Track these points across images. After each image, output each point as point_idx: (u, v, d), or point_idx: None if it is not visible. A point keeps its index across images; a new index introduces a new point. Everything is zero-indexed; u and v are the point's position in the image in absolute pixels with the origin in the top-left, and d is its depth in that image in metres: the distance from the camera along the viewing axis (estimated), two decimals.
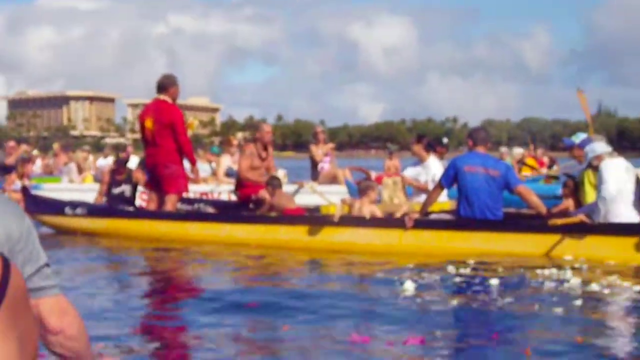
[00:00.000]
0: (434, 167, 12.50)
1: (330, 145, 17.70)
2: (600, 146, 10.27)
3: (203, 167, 21.62)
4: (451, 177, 10.76)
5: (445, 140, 15.90)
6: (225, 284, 9.21)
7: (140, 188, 14.61)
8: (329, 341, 6.18)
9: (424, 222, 10.92)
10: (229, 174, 16.62)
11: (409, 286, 8.07)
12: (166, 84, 13.16)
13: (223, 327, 6.71)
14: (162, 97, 13.13)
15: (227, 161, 17.12)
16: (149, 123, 13.17)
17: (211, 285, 8.96)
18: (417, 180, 12.61)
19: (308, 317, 6.99)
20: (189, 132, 26.26)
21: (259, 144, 13.55)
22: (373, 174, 15.30)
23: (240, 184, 13.78)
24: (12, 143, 22.13)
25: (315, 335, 6.39)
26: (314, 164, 17.24)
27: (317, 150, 17.20)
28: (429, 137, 13.70)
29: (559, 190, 12.24)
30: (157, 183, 13.26)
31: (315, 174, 17.09)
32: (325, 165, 17.05)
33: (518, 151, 23.88)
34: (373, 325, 6.66)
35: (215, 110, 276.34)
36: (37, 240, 2.31)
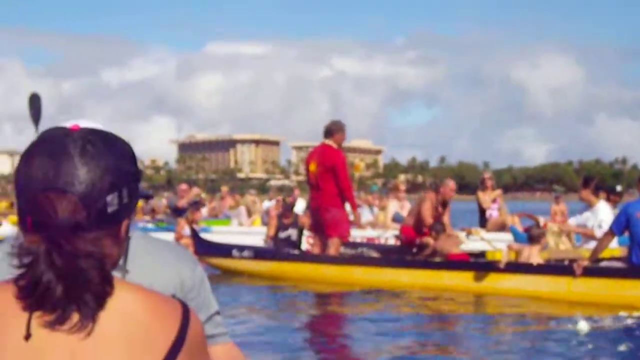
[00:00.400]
0: (602, 213, 12.03)
1: (498, 192, 17.41)
2: None
3: (364, 211, 21.68)
4: (622, 224, 10.39)
5: (619, 188, 15.34)
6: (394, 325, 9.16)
7: (306, 232, 14.77)
8: None
9: (594, 270, 10.59)
10: (395, 219, 16.54)
11: (583, 326, 7.87)
12: (332, 130, 13.39)
13: None
14: (328, 141, 13.36)
15: (394, 206, 17.06)
16: (312, 167, 13.42)
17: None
18: (585, 226, 12.20)
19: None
20: (356, 175, 26.44)
21: (440, 198, 13.30)
22: (542, 220, 14.95)
23: (419, 230, 13.51)
24: (184, 186, 22.77)
25: None
26: (482, 210, 17.01)
27: (485, 197, 16.97)
28: (596, 179, 13.19)
29: None
30: (320, 226, 13.41)
31: (483, 221, 16.84)
32: (493, 213, 16.79)
33: None
34: None
35: (378, 152, 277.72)
36: (209, 288, 2.35)
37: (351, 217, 14.00)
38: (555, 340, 7.68)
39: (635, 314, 8.84)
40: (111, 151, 1.55)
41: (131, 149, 1.63)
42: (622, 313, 8.96)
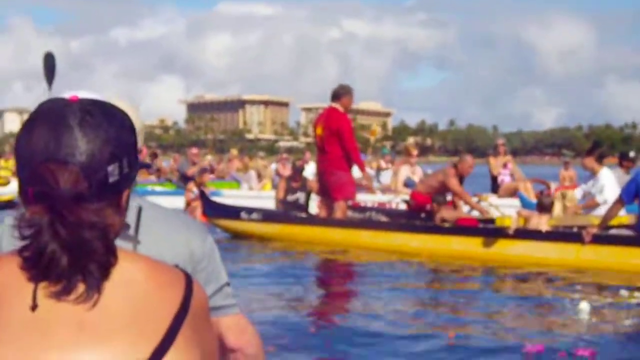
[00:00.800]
0: (603, 178, 12.13)
1: (508, 157, 17.35)
2: None
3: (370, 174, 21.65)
4: (632, 192, 10.37)
5: (632, 153, 15.28)
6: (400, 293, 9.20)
7: (314, 196, 14.80)
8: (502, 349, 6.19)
9: (603, 237, 10.58)
10: (407, 184, 16.51)
11: (584, 307, 7.90)
12: (340, 93, 13.45)
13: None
14: (335, 105, 13.43)
15: (405, 171, 17.01)
16: (319, 130, 13.53)
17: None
18: (590, 194, 12.24)
19: (479, 326, 7.00)
20: (372, 139, 26.35)
21: (458, 173, 13.07)
22: (553, 186, 14.94)
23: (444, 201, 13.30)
24: (195, 150, 22.76)
25: (486, 342, 6.41)
26: (493, 176, 16.97)
27: (496, 162, 16.92)
28: (602, 147, 13.19)
29: None
30: (326, 190, 13.48)
31: (495, 186, 16.82)
32: (505, 178, 16.74)
33: None
34: (546, 337, 6.59)
35: (387, 114, 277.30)
36: (219, 260, 2.35)
37: (362, 181, 14.04)
38: (557, 312, 7.76)
39: (637, 293, 8.87)
40: (111, 122, 1.55)
41: (130, 120, 1.63)
42: (623, 292, 8.97)
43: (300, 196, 14.81)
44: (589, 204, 12.21)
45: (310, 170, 20.39)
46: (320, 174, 13.64)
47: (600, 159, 12.46)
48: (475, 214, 13.00)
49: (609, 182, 12.06)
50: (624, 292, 8.92)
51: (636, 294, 8.88)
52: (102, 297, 1.45)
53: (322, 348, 6.60)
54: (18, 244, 1.50)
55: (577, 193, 12.77)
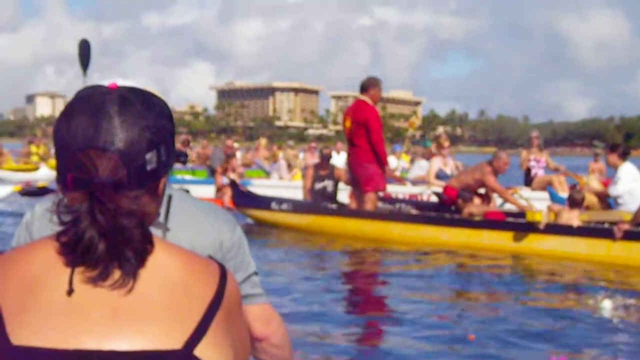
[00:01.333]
0: (620, 173, 12.26)
1: (544, 153, 17.17)
2: None
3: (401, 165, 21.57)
4: None
5: None
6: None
7: (342, 185, 14.75)
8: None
9: (635, 234, 10.52)
10: (439, 176, 16.43)
11: (607, 305, 7.87)
12: (368, 85, 13.46)
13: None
14: (363, 97, 13.45)
15: (438, 163, 16.91)
16: (347, 123, 13.55)
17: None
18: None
19: (499, 329, 6.98)
20: (410, 131, 26.16)
21: (493, 170, 12.95)
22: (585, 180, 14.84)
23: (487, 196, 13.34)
24: (230, 142, 22.74)
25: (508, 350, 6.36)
26: (527, 168, 16.85)
27: (529, 156, 16.78)
28: (624, 145, 13.33)
29: None
30: (356, 182, 13.52)
31: (527, 179, 16.71)
32: (539, 172, 16.61)
33: None
34: (569, 344, 6.55)
35: (417, 103, 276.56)
36: (248, 249, 2.37)
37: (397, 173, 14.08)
38: (581, 314, 7.71)
39: None
40: (149, 109, 1.57)
41: (168, 108, 1.65)
42: None
43: (328, 184, 14.76)
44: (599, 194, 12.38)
45: (340, 159, 20.34)
46: (350, 165, 13.65)
47: (623, 156, 12.53)
48: (507, 206, 12.96)
49: (625, 177, 12.17)
50: None
51: None
52: (138, 284, 1.47)
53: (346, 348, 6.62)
54: (50, 230, 1.52)
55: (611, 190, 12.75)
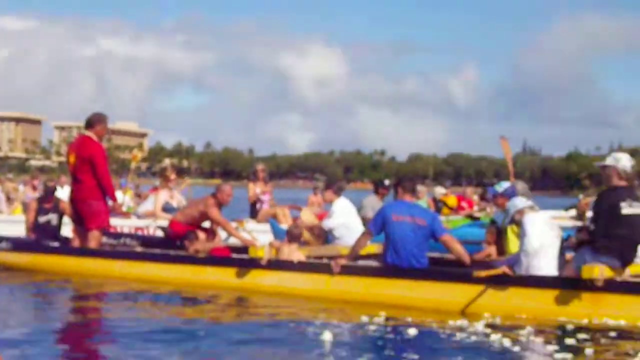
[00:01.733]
0: (334, 206, 13.40)
1: (269, 187, 17.65)
2: (521, 201, 10.47)
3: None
4: (379, 225, 10.84)
5: (387, 182, 16.12)
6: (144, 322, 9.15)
7: (67, 219, 14.41)
8: None
9: (351, 268, 10.96)
10: (166, 209, 16.43)
11: (327, 336, 8.17)
12: (93, 121, 13.43)
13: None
14: (88, 133, 13.40)
15: (164, 196, 16.89)
16: (72, 158, 13.42)
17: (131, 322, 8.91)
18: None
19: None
20: (134, 164, 25.88)
21: (217, 202, 13.07)
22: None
23: (213, 231, 13.54)
24: None
25: None
26: (253, 201, 17.23)
27: (255, 189, 17.19)
28: (338, 182, 14.53)
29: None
30: (80, 219, 13.35)
31: (253, 211, 17.07)
32: (264, 205, 17.03)
33: (440, 191, 23.90)
34: None
35: (143, 135, 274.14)
36: None
37: (114, 209, 13.97)
38: (302, 343, 8.00)
39: (376, 319, 9.26)
40: None
41: None
42: (364, 317, 9.32)
43: (52, 217, 14.36)
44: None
45: (64, 193, 19.86)
46: (74, 202, 13.41)
47: (338, 192, 13.61)
48: (233, 240, 13.20)
49: (340, 211, 13.25)
50: (364, 320, 9.25)
51: (375, 319, 9.23)
52: None
53: None
54: None
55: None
